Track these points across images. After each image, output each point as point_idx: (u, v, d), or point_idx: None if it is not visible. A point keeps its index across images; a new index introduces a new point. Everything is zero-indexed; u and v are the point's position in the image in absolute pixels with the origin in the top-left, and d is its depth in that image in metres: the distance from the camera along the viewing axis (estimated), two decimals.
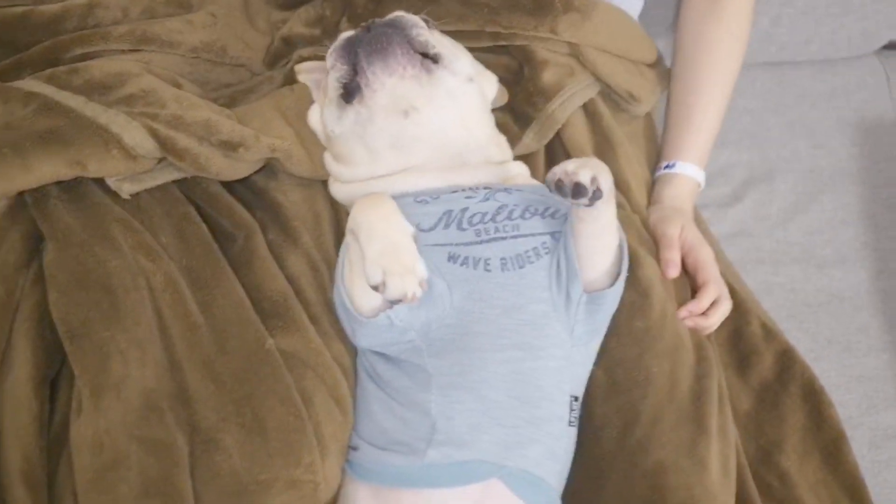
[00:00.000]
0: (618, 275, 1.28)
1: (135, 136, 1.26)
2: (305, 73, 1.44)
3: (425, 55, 1.31)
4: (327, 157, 1.39)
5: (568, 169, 1.17)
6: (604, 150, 1.55)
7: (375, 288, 1.15)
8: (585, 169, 1.17)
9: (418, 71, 1.29)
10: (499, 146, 1.40)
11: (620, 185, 1.54)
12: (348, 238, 1.24)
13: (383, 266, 1.15)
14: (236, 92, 1.48)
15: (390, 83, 1.28)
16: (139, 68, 1.38)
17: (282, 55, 1.55)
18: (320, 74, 1.41)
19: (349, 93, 1.30)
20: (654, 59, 1.66)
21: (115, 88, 1.32)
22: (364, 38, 1.29)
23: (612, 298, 1.29)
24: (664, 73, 1.68)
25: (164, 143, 1.28)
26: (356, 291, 1.22)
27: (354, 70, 1.29)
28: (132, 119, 1.28)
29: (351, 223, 1.22)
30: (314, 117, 1.40)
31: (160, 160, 1.31)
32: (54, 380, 1.24)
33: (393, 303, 1.16)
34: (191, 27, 1.47)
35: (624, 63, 1.59)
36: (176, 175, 1.33)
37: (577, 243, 1.24)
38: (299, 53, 1.51)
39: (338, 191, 1.38)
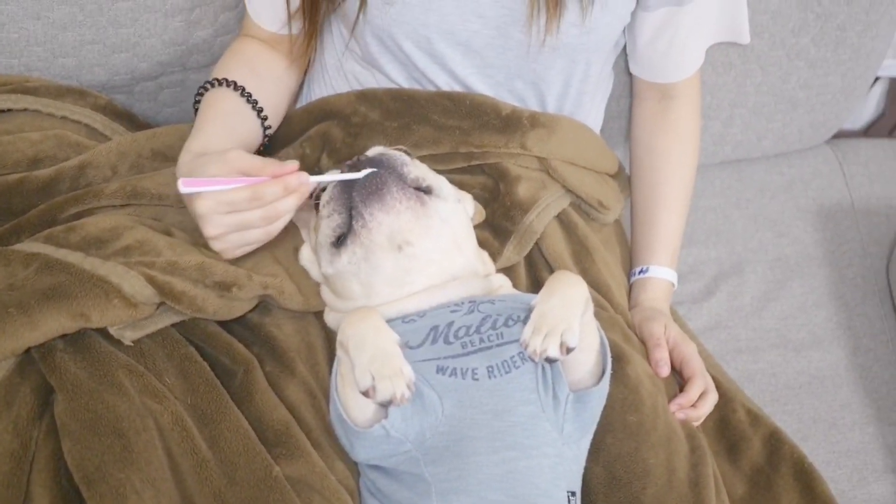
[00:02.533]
0: (602, 373, 1.32)
1: (134, 284, 1.30)
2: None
3: (418, 188, 1.37)
4: (324, 290, 1.44)
5: (536, 348, 1.23)
6: (581, 256, 1.60)
7: (366, 393, 1.19)
8: (551, 338, 1.23)
9: (413, 203, 1.34)
10: (482, 261, 1.45)
11: (601, 288, 1.59)
12: (339, 352, 1.28)
13: (372, 371, 1.19)
14: None
15: (388, 221, 1.32)
16: (132, 221, 1.43)
17: None
18: (307, 213, 1.46)
19: (341, 238, 1.35)
20: (616, 170, 1.73)
21: (111, 241, 1.37)
22: (357, 184, 1.33)
23: (598, 396, 1.32)
24: (626, 181, 1.76)
25: (162, 289, 1.32)
26: (350, 402, 1.26)
27: (350, 215, 1.34)
28: (130, 269, 1.32)
29: (341, 337, 1.26)
30: (305, 256, 1.46)
31: (159, 305, 1.35)
32: None
33: (384, 405, 1.19)
34: (177, 179, 1.52)
35: (590, 174, 1.65)
36: (175, 318, 1.37)
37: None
38: None
39: (333, 319, 1.42)
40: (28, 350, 1.30)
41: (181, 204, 1.51)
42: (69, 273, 1.31)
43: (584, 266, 1.60)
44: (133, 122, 1.73)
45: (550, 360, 1.23)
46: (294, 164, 1.34)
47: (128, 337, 1.33)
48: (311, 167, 1.61)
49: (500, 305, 1.35)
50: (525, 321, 1.31)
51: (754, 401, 1.65)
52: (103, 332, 1.34)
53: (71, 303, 1.28)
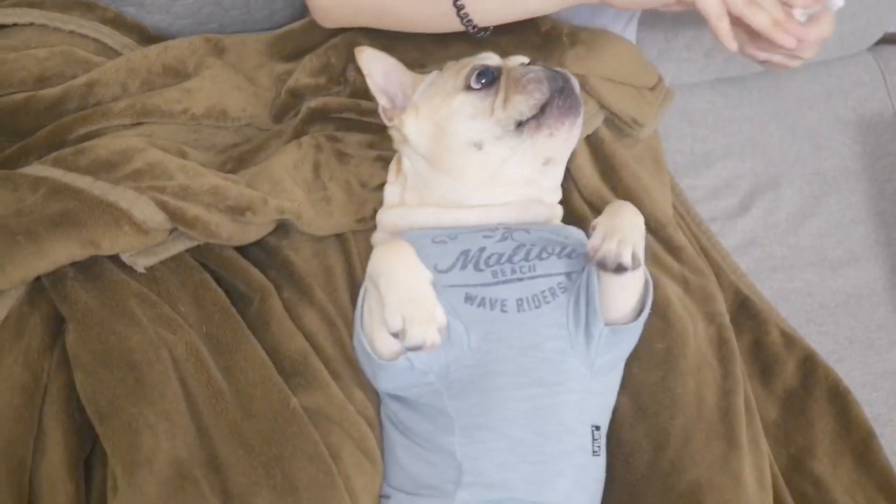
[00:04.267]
0: (641, 309, 1.28)
1: (144, 210, 1.27)
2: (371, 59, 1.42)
3: None
4: (395, 177, 1.40)
5: (610, 251, 1.18)
6: (608, 173, 1.56)
7: (395, 335, 1.15)
8: (625, 245, 1.18)
9: (578, 136, 1.37)
10: (558, 188, 1.43)
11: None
12: (367, 284, 1.24)
13: (403, 313, 1.15)
14: (244, 152, 1.49)
15: (564, 139, 1.34)
16: (143, 142, 1.39)
17: (289, 108, 1.55)
18: (401, 77, 1.42)
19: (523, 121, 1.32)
20: (656, 82, 1.68)
21: (122, 165, 1.33)
22: (565, 90, 1.33)
23: (634, 332, 1.29)
24: (666, 94, 1.70)
25: (174, 214, 1.29)
26: (376, 336, 1.23)
27: (543, 107, 1.33)
28: (140, 194, 1.29)
29: (370, 270, 1.22)
30: (413, 128, 1.38)
31: (171, 231, 1.31)
32: (88, 460, 1.25)
33: (413, 350, 1.16)
34: (188, 95, 1.48)
35: (628, 89, 1.61)
36: (188, 244, 1.34)
37: (602, 287, 1.24)
38: (308, 105, 1.52)
39: (391, 217, 1.38)
40: (38, 278, 1.28)
41: (194, 121, 1.46)
42: (78, 199, 1.27)
43: (612, 183, 1.55)
44: (144, 35, 1.66)
45: (621, 269, 1.18)
46: None
47: (140, 264, 1.30)
48: (337, 77, 1.56)
49: (535, 235, 1.31)
50: (559, 255, 1.28)
51: (789, 321, 1.62)
52: (115, 259, 1.30)
53: (80, 230, 1.25)
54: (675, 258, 1.51)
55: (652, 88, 1.67)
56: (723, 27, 1.34)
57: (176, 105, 1.46)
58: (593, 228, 1.23)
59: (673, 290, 1.42)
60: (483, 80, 1.35)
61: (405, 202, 1.38)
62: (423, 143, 1.37)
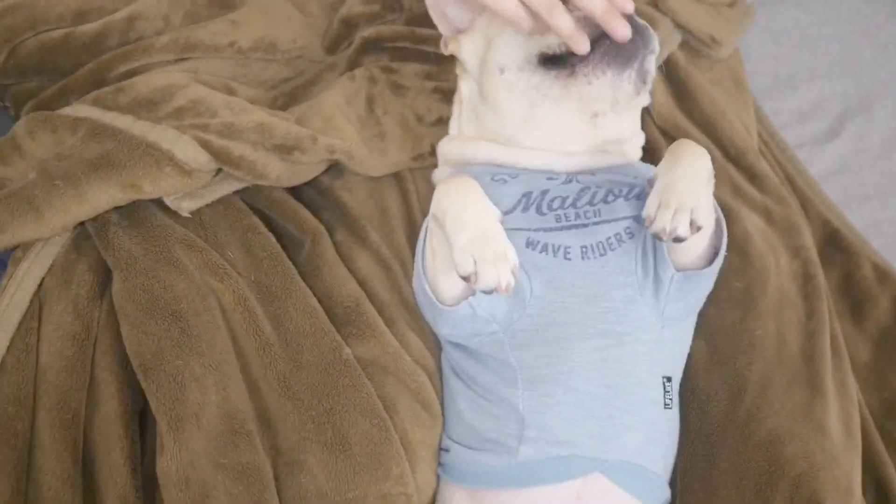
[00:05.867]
0: (715, 253, 1.20)
1: (187, 150, 1.23)
2: None
3: (642, 80, 1.24)
4: (460, 104, 1.32)
5: (665, 226, 1.09)
6: (682, 98, 1.50)
7: (466, 278, 1.09)
8: (681, 215, 1.09)
9: (632, 91, 1.23)
10: (637, 142, 1.33)
11: (708, 130, 1.49)
12: (431, 224, 1.19)
13: (474, 254, 1.09)
14: (296, 87, 1.44)
15: (606, 89, 1.21)
16: (186, 79, 1.34)
17: (342, 38, 1.50)
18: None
19: (554, 58, 1.22)
20: None
21: (163, 103, 1.29)
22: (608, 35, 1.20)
23: (708, 278, 1.22)
24: (745, 10, 1.62)
25: (218, 154, 1.24)
26: (439, 280, 1.18)
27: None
28: (182, 133, 1.24)
29: (434, 209, 1.16)
30: (468, 48, 1.30)
31: (217, 172, 1.27)
32: (143, 412, 1.21)
33: (486, 293, 1.10)
34: (235, 27, 1.42)
35: (703, 6, 1.54)
36: (236, 186, 1.30)
37: None
38: (361, 35, 1.46)
39: (450, 150, 1.31)
40: (82, 224, 1.24)
41: (242, 55, 1.41)
42: (117, 140, 1.23)
43: (687, 107, 1.49)
44: None
45: (679, 240, 1.11)
46: None
47: (185, 208, 1.26)
48: (392, 4, 1.50)
49: (600, 177, 1.24)
50: (626, 196, 1.21)
51: (882, 254, 1.54)
52: (160, 203, 1.26)
53: (120, 172, 1.21)
54: (757, 187, 1.44)
55: (730, 4, 1.60)
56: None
57: (222, 38, 1.41)
58: (650, 185, 1.15)
59: (753, 223, 1.36)
60: None
61: (463, 133, 1.31)
62: (474, 65, 1.29)
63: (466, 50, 1.29)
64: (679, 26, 1.49)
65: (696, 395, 1.28)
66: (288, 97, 1.42)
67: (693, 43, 1.52)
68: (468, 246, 1.09)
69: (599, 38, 1.19)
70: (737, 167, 1.44)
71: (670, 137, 1.42)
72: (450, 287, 1.17)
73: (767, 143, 1.60)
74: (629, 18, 1.19)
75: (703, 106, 1.47)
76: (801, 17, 1.88)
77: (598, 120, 1.23)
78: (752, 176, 1.45)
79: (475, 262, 1.08)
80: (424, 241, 1.21)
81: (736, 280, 1.29)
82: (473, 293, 1.15)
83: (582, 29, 1.17)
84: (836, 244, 1.49)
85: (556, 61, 1.21)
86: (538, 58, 1.22)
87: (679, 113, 1.47)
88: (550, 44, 1.21)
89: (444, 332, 1.22)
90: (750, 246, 1.32)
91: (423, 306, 1.25)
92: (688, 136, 1.44)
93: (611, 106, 1.23)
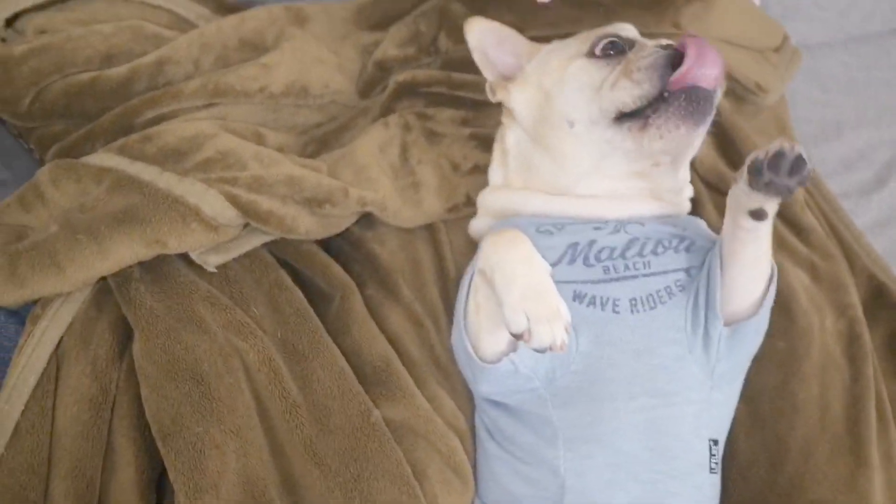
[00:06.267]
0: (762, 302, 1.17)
1: (214, 204, 1.20)
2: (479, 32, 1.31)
3: None
4: (501, 156, 1.30)
5: (784, 144, 1.05)
6: (726, 148, 1.46)
7: (518, 336, 1.05)
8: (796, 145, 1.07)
9: (700, 137, 1.22)
10: (687, 193, 1.31)
11: None
12: (477, 279, 1.15)
13: (527, 312, 1.05)
14: (328, 132, 1.41)
15: (679, 142, 1.19)
16: (215, 128, 1.31)
17: (376, 82, 1.47)
18: (517, 46, 1.31)
19: (629, 115, 1.19)
20: (780, 43, 1.56)
21: (191, 153, 1.26)
22: (695, 89, 1.17)
23: (756, 328, 1.19)
24: (792, 54, 1.58)
25: (246, 209, 1.21)
26: (482, 336, 1.15)
27: (653, 101, 1.18)
28: (209, 187, 1.21)
29: (483, 263, 1.12)
30: (520, 98, 1.27)
31: (245, 226, 1.24)
32: (160, 480, 1.18)
33: (539, 351, 1.06)
34: (266, 72, 1.39)
35: (750, 52, 1.51)
36: (264, 238, 1.27)
37: (731, 272, 1.14)
38: (396, 79, 1.43)
39: (494, 200, 1.29)
40: (104, 278, 1.22)
41: (272, 100, 1.38)
42: (143, 193, 1.21)
43: (730, 157, 1.45)
44: (221, 4, 1.57)
45: (793, 171, 1.05)
46: None
47: (211, 262, 1.23)
48: (427, 47, 1.46)
49: (650, 228, 1.21)
50: (676, 249, 1.19)
51: None
52: (185, 256, 1.24)
53: (145, 228, 1.19)
54: (803, 241, 1.41)
55: (777, 49, 1.56)
56: None
57: (252, 83, 1.37)
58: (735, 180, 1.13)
59: (798, 279, 1.32)
60: (609, 51, 1.22)
61: (510, 184, 1.28)
62: (528, 114, 1.26)
63: (518, 99, 1.27)
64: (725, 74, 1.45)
65: (736, 458, 1.25)
66: (319, 143, 1.39)
67: (738, 90, 1.48)
68: (520, 303, 1.06)
69: (673, 92, 1.15)
70: (781, 220, 1.40)
71: (713, 188, 1.39)
72: (492, 344, 1.14)
73: (812, 193, 1.55)
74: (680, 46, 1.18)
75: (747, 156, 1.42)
76: (850, 62, 1.85)
77: (658, 169, 1.22)
78: (798, 229, 1.41)
79: (528, 320, 1.05)
80: (467, 296, 1.18)
81: (779, 339, 1.26)
82: (515, 349, 1.11)
83: (652, 80, 1.16)
84: (882, 299, 1.43)
85: (630, 115, 1.19)
86: (614, 114, 1.19)
87: (721, 162, 1.43)
88: (626, 101, 1.18)
89: (483, 389, 1.19)
90: (794, 303, 1.28)
91: (462, 363, 1.22)
92: (728, 185, 1.41)
93: (674, 158, 1.22)
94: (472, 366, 1.17)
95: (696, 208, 1.31)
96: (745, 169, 1.07)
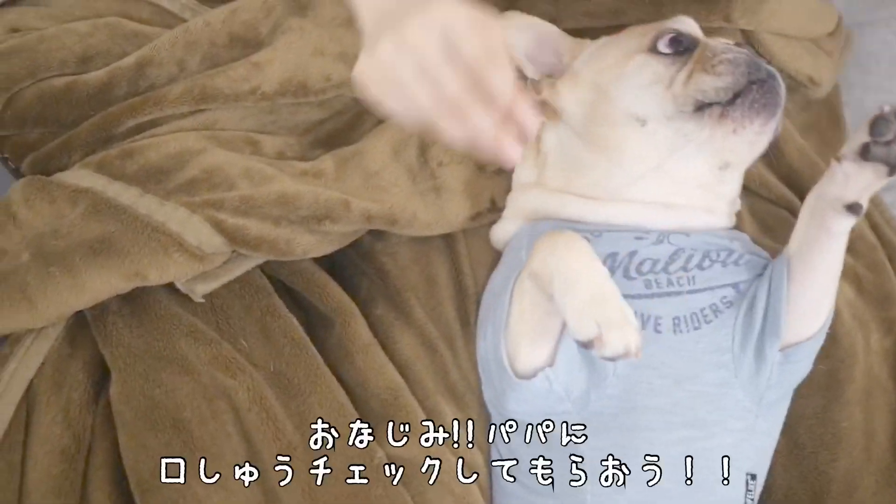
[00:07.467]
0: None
1: (198, 232, 1.12)
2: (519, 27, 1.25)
3: None
4: (534, 157, 1.23)
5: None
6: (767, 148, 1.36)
7: (586, 344, 0.97)
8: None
9: (767, 142, 1.18)
10: (737, 205, 1.27)
11: (794, 184, 1.39)
12: (527, 284, 1.06)
13: (596, 318, 0.97)
14: (334, 130, 1.31)
15: (752, 137, 1.15)
16: (202, 142, 1.22)
17: None
18: (559, 43, 1.25)
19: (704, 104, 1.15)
20: (834, 27, 1.48)
21: (174, 172, 1.17)
22: (766, 83, 1.15)
23: (810, 352, 1.15)
24: (846, 39, 1.51)
25: (233, 236, 1.13)
26: (522, 347, 1.08)
27: (734, 97, 1.15)
28: (193, 212, 1.13)
29: (539, 266, 1.04)
30: (570, 96, 1.21)
31: (232, 252, 1.16)
32: None
33: (610, 360, 0.98)
34: (257, 70, 1.27)
35: (803, 44, 1.44)
36: (256, 261, 1.19)
37: (801, 286, 1.11)
38: None
39: (528, 200, 1.22)
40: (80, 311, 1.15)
41: (266, 101, 1.27)
42: (120, 221, 1.13)
43: (770, 158, 1.33)
44: None
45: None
46: None
47: (198, 291, 1.16)
48: None
49: (695, 239, 1.16)
50: (724, 262, 1.15)
51: None
52: (168, 283, 1.16)
53: (123, 260, 1.11)
54: (847, 250, 1.28)
55: (832, 34, 1.48)
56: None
57: (243, 84, 1.26)
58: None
59: (841, 292, 1.23)
60: (675, 47, 1.16)
61: (544, 183, 1.21)
62: (580, 113, 1.19)
63: (567, 98, 1.20)
64: (775, 67, 1.37)
65: (772, 493, 1.22)
66: (326, 143, 1.29)
67: (789, 83, 1.37)
68: (587, 308, 0.98)
69: (745, 88, 1.13)
70: None
71: (751, 191, 1.33)
72: (531, 356, 1.08)
73: None
74: (762, 65, 1.17)
75: (790, 158, 1.38)
76: (893, 41, 1.73)
77: (724, 173, 1.18)
78: None
79: (599, 326, 0.97)
80: (509, 303, 1.09)
81: (819, 361, 1.18)
82: (552, 364, 1.06)
83: (736, 74, 1.14)
84: None
85: (707, 105, 1.14)
86: (693, 106, 1.13)
87: (761, 163, 1.34)
88: (707, 91, 1.14)
89: (510, 407, 1.13)
90: (836, 321, 1.20)
91: (491, 377, 1.16)
92: (769, 189, 1.36)
93: (746, 157, 1.19)
94: (504, 379, 1.10)
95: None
96: (855, 139, 1.05)
